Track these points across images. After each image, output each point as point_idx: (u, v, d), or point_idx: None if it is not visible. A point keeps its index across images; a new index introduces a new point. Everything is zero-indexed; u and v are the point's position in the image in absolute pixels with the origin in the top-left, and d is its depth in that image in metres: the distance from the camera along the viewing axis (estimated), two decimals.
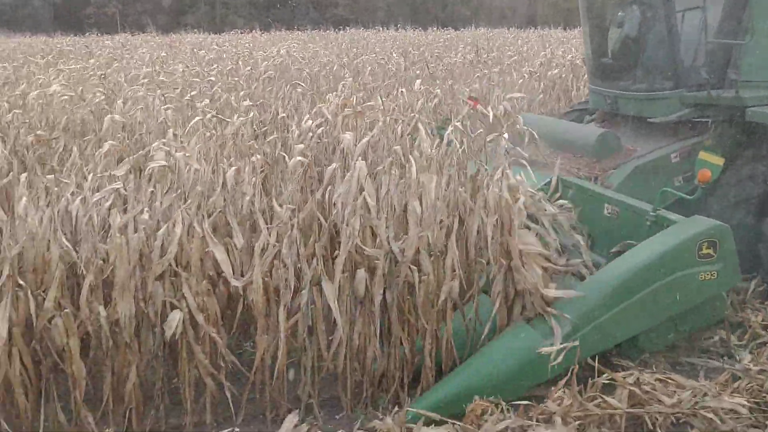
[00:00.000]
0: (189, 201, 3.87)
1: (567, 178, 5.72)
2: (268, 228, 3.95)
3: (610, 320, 4.27)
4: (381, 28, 24.54)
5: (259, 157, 4.29)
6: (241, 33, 25.34)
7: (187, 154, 4.01)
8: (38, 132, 5.68)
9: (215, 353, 4.09)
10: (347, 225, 4.08)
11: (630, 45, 6.70)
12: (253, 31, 25.30)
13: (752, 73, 5.99)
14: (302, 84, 7.97)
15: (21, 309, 3.72)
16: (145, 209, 3.83)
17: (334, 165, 4.42)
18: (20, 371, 3.74)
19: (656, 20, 6.39)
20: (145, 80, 7.70)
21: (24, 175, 4.17)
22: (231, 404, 4.05)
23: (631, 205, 5.14)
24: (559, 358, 3.99)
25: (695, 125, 6.29)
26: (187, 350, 4.00)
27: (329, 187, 4.46)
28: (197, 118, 4.84)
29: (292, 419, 3.84)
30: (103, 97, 6.27)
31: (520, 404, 4.02)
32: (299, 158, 4.30)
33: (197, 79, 8.60)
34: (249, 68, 9.82)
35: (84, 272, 3.83)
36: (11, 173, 4.82)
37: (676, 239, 4.48)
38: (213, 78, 8.55)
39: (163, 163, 3.98)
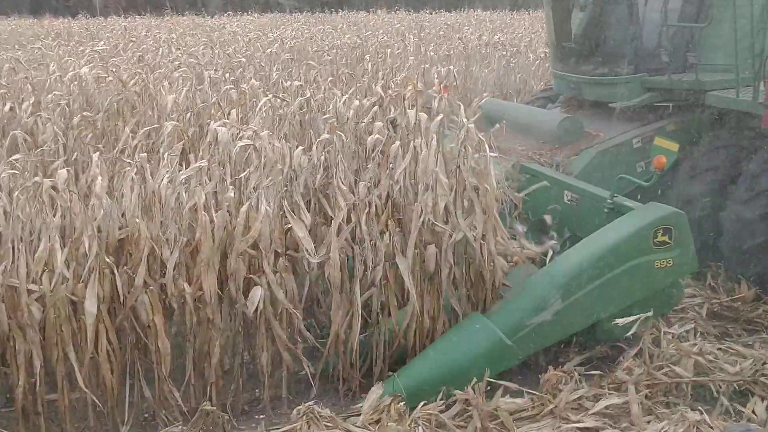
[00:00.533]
0: (270, 179, 3.91)
1: (528, 164, 5.64)
2: (346, 204, 4.01)
3: (565, 309, 4.21)
4: (377, 11, 24.42)
5: (327, 135, 4.33)
6: (232, 15, 25.09)
7: (270, 133, 4.05)
8: (85, 113, 5.68)
9: (291, 329, 4.16)
10: (419, 202, 4.16)
11: (592, 29, 6.61)
12: (247, 13, 25.07)
13: (712, 57, 5.93)
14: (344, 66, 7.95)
15: (106, 287, 3.77)
16: (230, 187, 3.88)
17: (397, 143, 4.47)
18: (106, 347, 3.79)
19: (618, 3, 6.36)
20: (176, 62, 7.69)
21: (96, 155, 4.18)
22: (310, 379, 4.13)
23: (589, 192, 5.03)
24: (633, 329, 4.11)
25: (658, 110, 6.24)
26: (266, 326, 4.06)
27: (390, 165, 4.52)
28: (264, 98, 4.86)
29: (376, 391, 3.93)
30: (140, 78, 6.25)
31: (593, 374, 4.15)
32: (377, 136, 4.35)
33: (220, 61, 8.59)
34: (270, 50, 9.79)
35: (159, 251, 3.88)
36: (74, 154, 4.82)
37: (631, 227, 4.41)
38: (243, 59, 8.54)
39: (250, 142, 4.02)
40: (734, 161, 5.62)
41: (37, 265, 3.63)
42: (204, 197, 3.78)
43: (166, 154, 4.09)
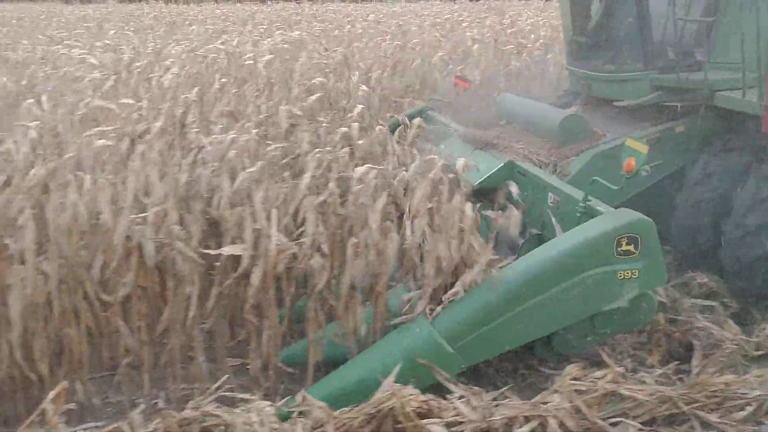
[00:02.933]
0: None
1: (520, 163, 5.34)
2: None
3: (517, 317, 3.93)
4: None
5: None
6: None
7: None
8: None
9: None
10: None
11: (605, 22, 6.29)
12: None
13: (721, 54, 5.54)
14: None
15: None
16: None
17: None
18: None
19: None
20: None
21: None
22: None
23: (568, 194, 4.71)
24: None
25: (668, 110, 5.77)
26: None
27: None
28: None
29: None
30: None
31: None
32: None
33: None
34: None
35: None
36: None
37: (591, 233, 4.06)
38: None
39: None
40: (743, 166, 5.28)
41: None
42: None
43: None
